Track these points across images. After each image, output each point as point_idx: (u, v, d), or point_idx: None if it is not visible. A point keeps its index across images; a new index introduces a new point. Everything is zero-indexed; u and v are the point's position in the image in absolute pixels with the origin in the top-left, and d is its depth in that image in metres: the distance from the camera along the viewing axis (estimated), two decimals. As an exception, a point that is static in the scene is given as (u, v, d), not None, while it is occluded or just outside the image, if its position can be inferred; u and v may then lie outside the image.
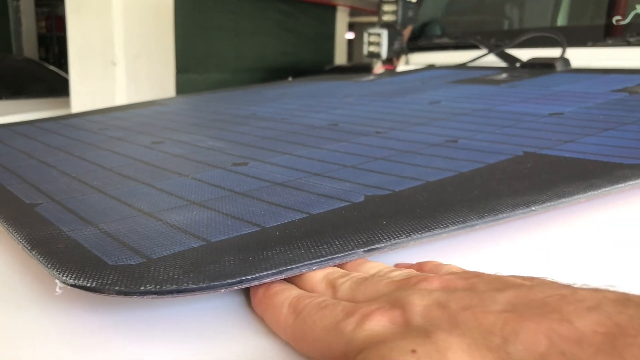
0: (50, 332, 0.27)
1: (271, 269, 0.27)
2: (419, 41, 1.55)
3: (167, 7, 2.96)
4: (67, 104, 2.90)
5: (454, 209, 0.34)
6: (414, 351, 0.18)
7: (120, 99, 2.80)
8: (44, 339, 0.26)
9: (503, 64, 1.21)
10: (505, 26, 1.54)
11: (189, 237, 0.32)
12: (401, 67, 1.54)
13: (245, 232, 0.32)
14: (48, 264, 0.29)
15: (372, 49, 1.59)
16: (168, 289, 0.26)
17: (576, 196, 0.35)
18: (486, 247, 0.33)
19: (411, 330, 0.20)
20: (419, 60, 1.54)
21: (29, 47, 5.46)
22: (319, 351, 0.22)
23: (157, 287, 0.26)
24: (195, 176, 0.46)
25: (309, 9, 6.62)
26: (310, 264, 0.28)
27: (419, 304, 0.21)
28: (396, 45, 1.57)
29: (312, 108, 0.78)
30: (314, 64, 6.67)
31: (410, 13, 1.59)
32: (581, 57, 1.18)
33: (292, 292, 0.26)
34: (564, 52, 1.05)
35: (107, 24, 2.63)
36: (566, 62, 0.99)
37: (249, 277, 0.26)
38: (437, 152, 0.49)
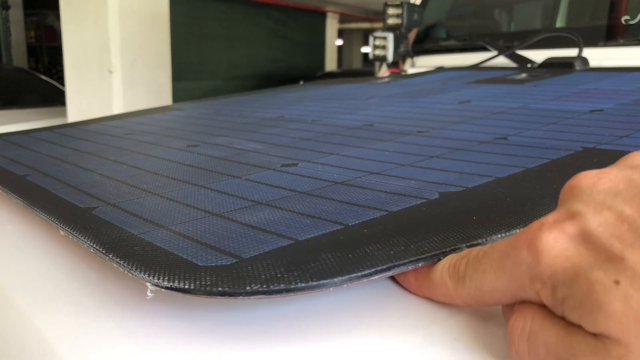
0: (141, 336, 0.26)
1: (376, 266, 0.26)
2: (425, 44, 1.55)
3: (163, 15, 2.95)
4: (63, 113, 2.88)
5: (541, 203, 0.33)
6: (617, 282, 0.17)
7: (117, 107, 2.78)
8: (135, 344, 0.25)
9: (512, 66, 1.21)
10: (512, 28, 1.54)
11: (273, 236, 0.31)
12: (408, 70, 1.54)
13: (330, 230, 0.31)
14: (132, 267, 0.28)
15: (378, 52, 1.59)
16: (276, 288, 0.25)
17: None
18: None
19: (595, 250, 0.19)
20: (425, 63, 1.53)
21: (19, 56, 5.41)
22: (504, 294, 0.22)
23: (265, 287, 0.25)
24: (249, 177, 0.45)
25: (300, 16, 6.65)
26: (417, 259, 0.27)
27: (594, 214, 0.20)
28: (402, 49, 1.57)
29: (339, 110, 0.77)
30: (305, 70, 6.67)
31: (415, 16, 1.58)
32: (593, 56, 1.19)
33: (440, 264, 0.26)
34: (581, 51, 1.05)
35: (104, 32, 2.61)
36: (585, 61, 0.99)
37: (358, 274, 0.25)
38: (491, 149, 0.48)
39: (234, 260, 0.28)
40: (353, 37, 10.03)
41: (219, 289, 0.25)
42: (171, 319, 0.27)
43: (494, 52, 1.29)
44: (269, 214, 0.35)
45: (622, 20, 1.28)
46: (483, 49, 1.37)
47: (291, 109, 0.81)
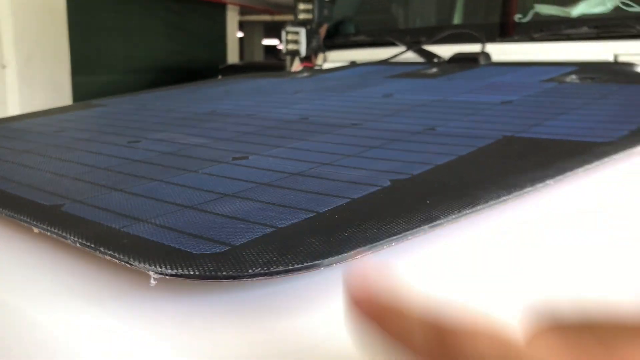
0: (150, 322, 0.28)
1: (358, 247, 0.30)
2: (336, 39, 1.60)
3: (60, 8, 2.82)
4: (-50, 111, 2.68)
5: (482, 187, 0.38)
6: None
7: (13, 104, 2.63)
8: (149, 333, 0.27)
9: (421, 60, 1.29)
10: (417, 24, 1.63)
11: (255, 225, 0.34)
12: (323, 65, 1.58)
13: (304, 218, 0.34)
14: (130, 258, 0.30)
15: (291, 47, 1.62)
16: (276, 270, 0.28)
17: (575, 170, 0.41)
18: (515, 219, 0.38)
19: None
20: (337, 57, 1.59)
21: None
22: None
23: (265, 269, 0.28)
24: (205, 171, 0.47)
25: (200, 8, 6.53)
26: (390, 240, 0.31)
27: None
28: (314, 43, 1.61)
29: (271, 104, 0.80)
30: (207, 63, 6.58)
31: (326, 11, 1.63)
32: (492, 51, 1.29)
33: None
34: (483, 47, 1.14)
35: (-5, 23, 2.46)
36: (487, 56, 1.08)
37: (344, 254, 0.29)
38: (424, 139, 0.53)
39: (227, 248, 0.30)
40: (254, 29, 9.98)
41: (224, 273, 0.28)
42: (176, 303, 0.29)
43: (403, 48, 1.36)
44: (241, 205, 0.38)
45: (515, 18, 1.39)
46: (392, 44, 1.44)
47: (221, 104, 0.83)
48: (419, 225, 0.32)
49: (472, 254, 0.34)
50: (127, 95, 1.02)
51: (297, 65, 1.73)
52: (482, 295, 0.30)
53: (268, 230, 0.33)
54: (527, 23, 1.35)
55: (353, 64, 1.22)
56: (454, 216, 0.33)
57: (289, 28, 1.62)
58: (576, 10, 1.33)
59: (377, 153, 0.50)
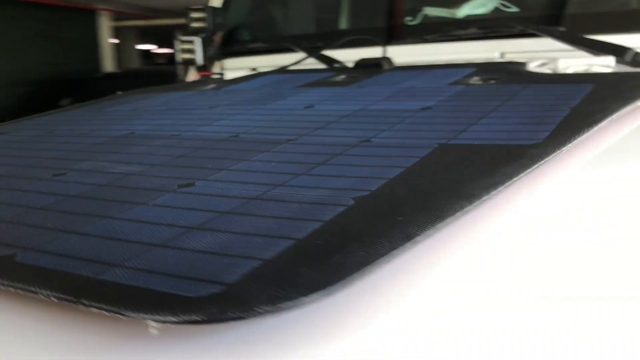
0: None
1: (353, 272, 0.30)
2: (234, 46, 1.59)
3: None
4: None
5: (444, 198, 0.40)
6: None
7: None
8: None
9: (322, 67, 1.31)
10: (313, 29, 1.66)
11: (238, 259, 0.33)
12: (221, 73, 1.56)
13: (287, 246, 0.35)
14: (125, 309, 0.28)
15: (186, 55, 1.59)
16: (283, 305, 0.28)
17: (520, 175, 0.44)
18: (483, 227, 0.40)
19: None
20: (235, 65, 1.58)
21: None
22: None
23: (271, 305, 0.28)
24: (155, 202, 0.46)
25: (70, 15, 6.20)
26: (380, 261, 0.32)
27: None
28: (210, 51, 1.59)
29: (190, 122, 0.78)
30: (81, 72, 6.25)
31: (219, 19, 1.61)
32: (391, 54, 1.34)
33: None
34: (385, 51, 1.18)
35: None
36: (389, 61, 1.12)
37: (338, 282, 0.29)
38: (365, 152, 0.55)
39: (223, 287, 0.30)
40: (129, 35, 9.62)
41: (231, 315, 0.27)
42: (182, 348, 0.28)
43: (303, 54, 1.38)
44: (213, 238, 0.37)
45: (406, 21, 1.46)
46: (290, 50, 1.46)
47: (137, 124, 0.80)
48: (402, 244, 0.34)
49: (453, 264, 0.36)
50: (24, 120, 0.95)
51: (193, 75, 1.69)
52: (475, 300, 0.32)
53: (256, 264, 0.32)
54: (418, 25, 1.42)
55: (258, 73, 1.22)
56: (429, 231, 0.35)
57: (183, 37, 1.59)
58: (461, 12, 1.41)
59: (326, 170, 0.50)
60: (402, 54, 1.26)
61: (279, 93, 0.93)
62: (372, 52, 1.36)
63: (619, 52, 1.06)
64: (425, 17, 1.43)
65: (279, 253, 0.34)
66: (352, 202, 0.42)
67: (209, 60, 1.61)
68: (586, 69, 0.97)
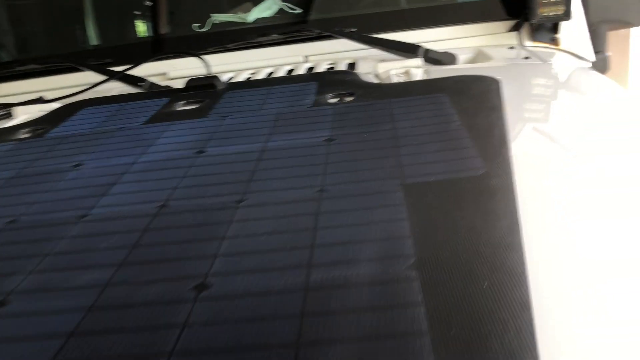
0: None
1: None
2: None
3: None
4: None
5: (475, 251, 0.44)
6: None
7: None
8: None
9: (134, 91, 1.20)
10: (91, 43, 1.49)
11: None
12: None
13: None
14: None
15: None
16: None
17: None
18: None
19: None
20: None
21: None
22: None
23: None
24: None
25: None
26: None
27: None
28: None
29: (53, 197, 0.67)
30: None
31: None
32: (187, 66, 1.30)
33: None
34: (209, 68, 1.14)
35: None
36: (218, 79, 1.08)
37: None
38: (340, 206, 0.55)
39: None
40: None
41: None
42: None
43: (99, 75, 1.25)
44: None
45: (195, 28, 1.42)
46: (74, 69, 1.31)
47: None
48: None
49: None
50: None
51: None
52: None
53: None
54: (217, 33, 1.39)
55: (78, 105, 1.06)
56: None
57: None
58: (251, 16, 1.43)
59: (326, 236, 0.50)
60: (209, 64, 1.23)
61: (137, 135, 0.85)
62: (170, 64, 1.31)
63: (411, 50, 1.20)
64: (218, 24, 1.42)
65: None
66: (413, 273, 0.43)
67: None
68: (404, 70, 1.08)
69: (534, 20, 1.22)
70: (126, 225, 0.57)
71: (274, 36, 1.30)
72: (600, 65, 1.30)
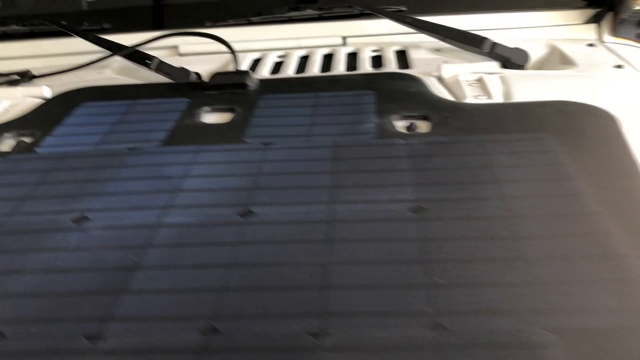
0: None
1: None
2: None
3: None
4: None
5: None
6: None
7: None
8: None
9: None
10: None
11: None
12: None
13: None
14: None
15: None
16: None
17: None
18: None
19: None
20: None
21: None
22: None
23: None
24: None
25: None
26: None
27: None
28: None
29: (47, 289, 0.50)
30: None
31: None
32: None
33: None
34: (237, 61, 0.94)
35: None
36: (250, 75, 0.88)
37: None
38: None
39: None
40: None
41: None
42: None
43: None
44: None
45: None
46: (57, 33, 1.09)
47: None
48: None
49: None
50: None
51: None
52: None
53: None
54: (241, 2, 1.16)
55: (60, 102, 0.85)
56: None
57: None
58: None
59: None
60: (230, 38, 1.02)
61: (156, 168, 0.66)
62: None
63: (474, 42, 1.00)
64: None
65: None
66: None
67: None
68: (477, 77, 0.87)
69: (624, 15, 1.02)
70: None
71: (308, 11, 1.08)
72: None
